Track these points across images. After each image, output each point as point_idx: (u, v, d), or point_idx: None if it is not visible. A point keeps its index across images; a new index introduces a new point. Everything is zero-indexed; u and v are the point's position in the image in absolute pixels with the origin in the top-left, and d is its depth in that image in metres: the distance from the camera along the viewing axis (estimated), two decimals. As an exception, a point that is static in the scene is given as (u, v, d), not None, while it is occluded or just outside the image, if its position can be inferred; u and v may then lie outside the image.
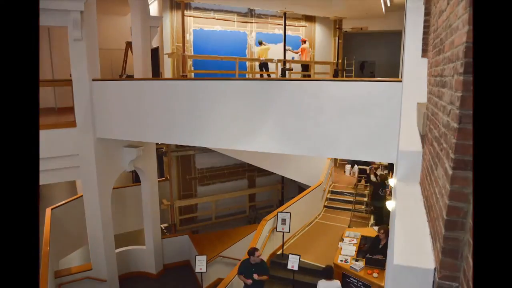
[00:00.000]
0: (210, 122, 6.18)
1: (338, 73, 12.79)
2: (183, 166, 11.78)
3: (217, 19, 11.60)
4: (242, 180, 13.15)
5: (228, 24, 11.86)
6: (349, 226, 9.93)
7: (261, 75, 11.71)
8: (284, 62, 11.55)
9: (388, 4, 10.47)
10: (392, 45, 14.70)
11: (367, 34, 15.22)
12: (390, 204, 6.91)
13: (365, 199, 10.98)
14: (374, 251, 7.12)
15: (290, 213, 8.47)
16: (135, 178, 11.42)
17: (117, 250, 8.84)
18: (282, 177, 13.24)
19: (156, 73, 9.68)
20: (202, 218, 12.38)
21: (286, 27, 12.12)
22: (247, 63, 12.34)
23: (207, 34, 11.47)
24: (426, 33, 3.45)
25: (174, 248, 10.08)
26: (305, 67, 12.79)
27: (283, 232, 8.57)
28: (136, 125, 7.01)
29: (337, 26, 13.80)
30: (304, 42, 12.53)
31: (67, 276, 7.95)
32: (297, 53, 12.49)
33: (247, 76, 12.22)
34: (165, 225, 11.26)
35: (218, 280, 9.20)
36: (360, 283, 6.79)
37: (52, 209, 8.56)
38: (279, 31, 12.68)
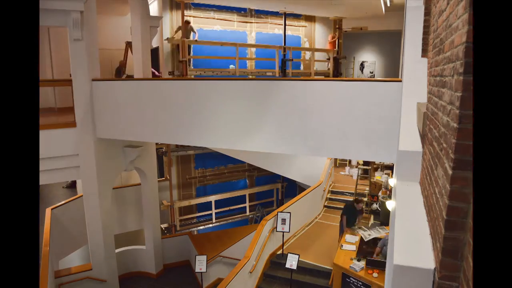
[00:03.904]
0: (210, 122, 6.18)
1: (340, 62, 12.73)
2: (183, 166, 11.78)
3: (217, 19, 11.61)
4: (242, 179, 13.16)
5: (228, 24, 11.86)
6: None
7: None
8: (284, 48, 11.48)
9: (388, 4, 10.47)
10: (392, 45, 14.71)
11: (367, 34, 15.23)
12: (390, 204, 6.91)
13: (365, 199, 10.98)
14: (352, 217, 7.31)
15: (290, 213, 8.47)
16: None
17: (117, 250, 8.84)
18: (282, 176, 13.24)
19: (156, 73, 9.69)
20: (202, 219, 12.37)
21: (286, 27, 12.12)
22: (247, 63, 12.34)
23: (207, 34, 11.47)
24: (426, 33, 3.45)
25: (174, 248, 10.08)
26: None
27: (283, 232, 8.58)
28: (136, 125, 7.01)
29: (337, 26, 13.80)
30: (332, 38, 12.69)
31: (67, 276, 7.95)
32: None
33: (247, 76, 12.22)
34: (165, 225, 11.26)
35: (218, 280, 9.21)
36: (360, 283, 6.79)
37: (52, 209, 8.56)
38: (279, 31, 12.68)
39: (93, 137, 7.45)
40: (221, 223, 12.51)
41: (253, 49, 12.39)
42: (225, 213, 12.68)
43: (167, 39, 10.22)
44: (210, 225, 12.31)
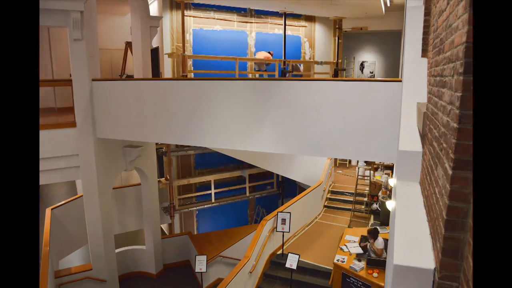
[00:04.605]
0: (210, 122, 6.18)
1: (338, 73, 12.80)
2: (183, 166, 11.79)
3: (217, 19, 11.61)
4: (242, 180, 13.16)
5: (228, 24, 11.87)
6: (349, 226, 9.94)
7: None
8: (284, 62, 11.54)
9: (388, 4, 10.47)
10: (392, 45, 14.72)
11: (367, 34, 15.23)
12: (390, 204, 6.91)
13: (365, 199, 10.98)
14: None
15: (290, 213, 8.48)
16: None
17: (117, 250, 8.84)
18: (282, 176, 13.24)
19: (156, 73, 9.67)
20: (201, 199, 12.31)
21: (286, 27, 12.12)
22: (248, 63, 12.34)
23: (207, 34, 11.48)
24: (426, 33, 3.45)
25: (174, 248, 10.08)
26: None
27: (283, 232, 8.58)
28: (136, 125, 7.01)
29: (337, 26, 13.80)
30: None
31: (67, 276, 7.95)
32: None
33: (247, 76, 12.22)
34: (165, 204, 11.15)
35: (218, 280, 9.21)
36: (360, 283, 6.79)
37: (52, 209, 8.56)
38: (279, 31, 12.69)
39: (93, 137, 7.45)
40: (221, 203, 12.41)
41: (253, 51, 12.39)
42: (224, 193, 12.56)
43: (168, 54, 10.27)
44: (210, 205, 12.20)
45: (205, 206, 12.15)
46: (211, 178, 12.04)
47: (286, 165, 11.90)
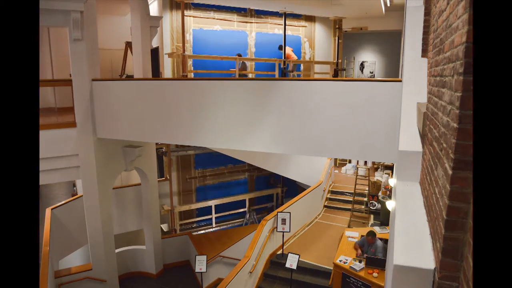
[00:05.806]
0: (210, 122, 6.18)
1: (338, 73, 12.79)
2: (183, 166, 11.79)
3: (217, 19, 11.61)
4: (242, 179, 13.18)
5: (228, 24, 11.87)
6: (349, 226, 9.94)
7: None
8: (284, 62, 11.54)
9: (388, 4, 10.47)
10: (392, 45, 14.71)
11: (367, 34, 15.23)
12: (390, 204, 6.91)
13: (365, 199, 10.98)
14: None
15: (290, 213, 8.48)
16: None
17: (117, 250, 8.84)
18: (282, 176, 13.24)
19: (156, 73, 9.67)
20: (202, 223, 12.43)
21: (286, 27, 12.12)
22: (248, 63, 12.33)
23: (207, 34, 11.47)
24: (426, 33, 3.45)
25: (174, 248, 10.08)
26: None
27: (283, 232, 8.58)
28: (136, 125, 7.01)
29: (337, 26, 13.80)
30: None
31: (67, 276, 7.95)
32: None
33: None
34: (165, 230, 11.30)
35: (218, 280, 9.21)
36: (360, 283, 6.79)
37: (52, 209, 8.56)
38: (279, 31, 12.68)
39: (93, 137, 7.45)
40: (221, 227, 12.56)
41: (253, 51, 12.40)
42: (225, 217, 12.71)
43: (168, 54, 10.30)
44: (210, 229, 12.35)
45: (206, 230, 12.28)
46: (212, 203, 12.21)
47: (286, 165, 11.90)
